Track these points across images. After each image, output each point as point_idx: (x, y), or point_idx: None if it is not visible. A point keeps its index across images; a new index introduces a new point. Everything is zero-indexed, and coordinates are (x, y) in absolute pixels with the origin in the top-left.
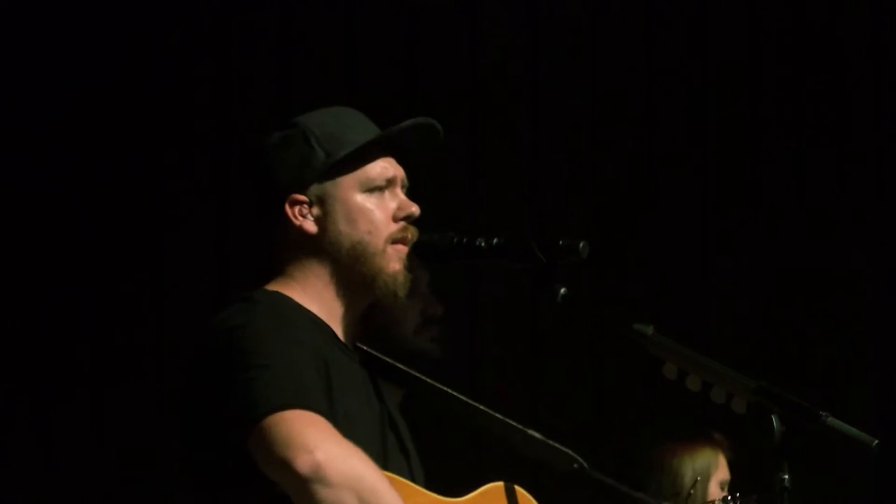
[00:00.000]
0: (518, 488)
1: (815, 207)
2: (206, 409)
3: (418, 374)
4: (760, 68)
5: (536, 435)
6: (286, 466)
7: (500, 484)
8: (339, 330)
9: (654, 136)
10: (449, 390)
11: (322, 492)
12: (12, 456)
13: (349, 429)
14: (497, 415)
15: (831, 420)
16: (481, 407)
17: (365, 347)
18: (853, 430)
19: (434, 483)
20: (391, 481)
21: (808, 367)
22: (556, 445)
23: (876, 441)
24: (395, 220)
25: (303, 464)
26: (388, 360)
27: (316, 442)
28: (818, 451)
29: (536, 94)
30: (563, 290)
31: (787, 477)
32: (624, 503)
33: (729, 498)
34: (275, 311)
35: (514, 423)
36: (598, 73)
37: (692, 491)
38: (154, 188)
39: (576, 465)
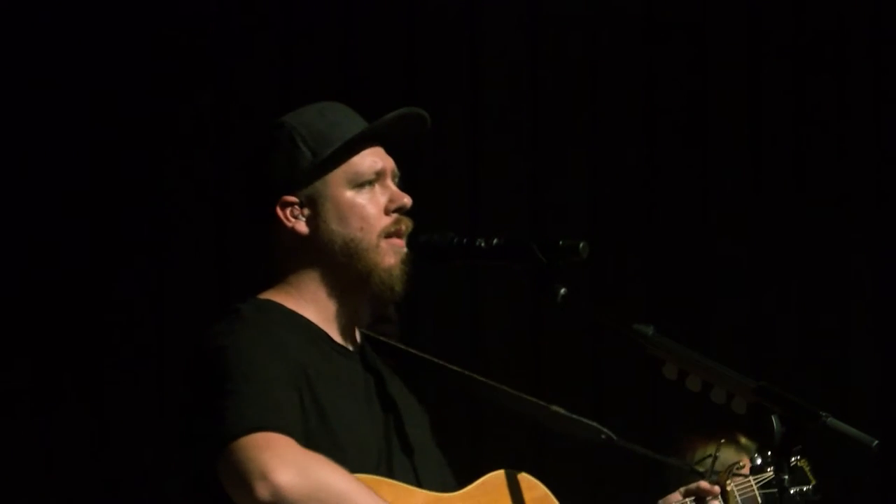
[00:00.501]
0: (522, 474)
1: (816, 207)
2: (193, 422)
3: (434, 359)
4: (760, 68)
5: (560, 410)
6: (248, 494)
7: (502, 472)
8: (336, 332)
9: (654, 137)
10: (468, 372)
11: None
12: (12, 456)
13: (345, 432)
14: (521, 394)
15: (831, 420)
16: (503, 387)
17: (373, 335)
18: (853, 431)
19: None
20: (379, 484)
21: (808, 367)
22: (581, 419)
23: (876, 441)
24: (388, 212)
25: (262, 490)
26: (400, 346)
27: (272, 465)
28: (818, 451)
29: (536, 94)
30: (563, 291)
31: (787, 477)
32: (651, 473)
33: (769, 453)
34: (258, 328)
35: (537, 401)
36: (598, 73)
37: (717, 454)
38: (154, 188)
39: (603, 436)
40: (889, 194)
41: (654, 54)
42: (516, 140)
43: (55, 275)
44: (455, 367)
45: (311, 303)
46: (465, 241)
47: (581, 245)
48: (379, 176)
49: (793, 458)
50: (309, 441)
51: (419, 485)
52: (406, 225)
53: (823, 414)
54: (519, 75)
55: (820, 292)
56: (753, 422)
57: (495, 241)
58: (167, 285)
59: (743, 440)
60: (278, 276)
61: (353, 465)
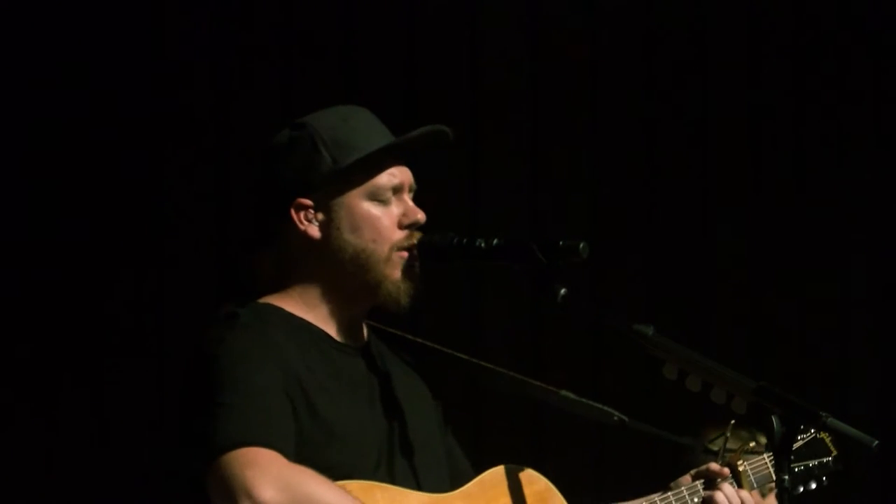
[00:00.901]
0: (524, 469)
1: (816, 207)
2: (186, 428)
3: (443, 348)
4: (760, 68)
5: (570, 395)
6: None
7: (501, 468)
8: (338, 331)
9: (655, 137)
10: (476, 360)
11: None
12: (12, 456)
13: (342, 434)
14: (532, 381)
15: (831, 420)
16: (512, 373)
17: (380, 326)
18: (853, 430)
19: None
20: (371, 488)
21: (808, 367)
22: (593, 403)
23: (876, 441)
24: (401, 226)
25: None
26: (408, 336)
27: (256, 482)
28: None
29: (536, 94)
30: (563, 291)
31: (787, 477)
32: (658, 461)
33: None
34: (253, 334)
35: (548, 387)
36: (597, 74)
37: (727, 434)
38: (155, 188)
39: (616, 418)
40: (889, 194)
41: (654, 54)
42: (516, 140)
43: (55, 275)
44: (463, 356)
45: (313, 307)
46: (464, 241)
47: (581, 245)
48: (396, 191)
49: (812, 430)
50: (303, 446)
51: (418, 485)
52: (417, 240)
53: (823, 414)
54: (519, 75)
55: (820, 292)
56: (753, 422)
57: (495, 241)
58: (167, 285)
59: (762, 439)
60: (281, 277)
61: (350, 467)
